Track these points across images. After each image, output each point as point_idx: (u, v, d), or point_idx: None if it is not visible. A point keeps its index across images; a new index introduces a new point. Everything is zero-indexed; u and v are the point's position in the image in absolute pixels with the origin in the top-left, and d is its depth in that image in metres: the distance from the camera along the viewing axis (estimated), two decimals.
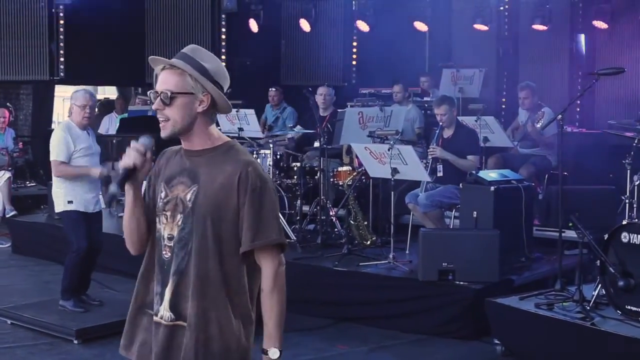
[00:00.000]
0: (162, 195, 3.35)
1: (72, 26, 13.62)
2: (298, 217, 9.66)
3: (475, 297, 7.37)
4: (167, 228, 3.32)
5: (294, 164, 10.13)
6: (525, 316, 6.77)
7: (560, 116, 7.39)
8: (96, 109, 7.75)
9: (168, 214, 3.32)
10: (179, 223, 3.29)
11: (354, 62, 15.07)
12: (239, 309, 3.29)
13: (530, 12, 12.83)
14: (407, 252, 8.89)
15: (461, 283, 7.52)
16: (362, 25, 14.25)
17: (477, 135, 9.37)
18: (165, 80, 3.27)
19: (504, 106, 13.54)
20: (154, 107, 3.28)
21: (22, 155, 14.14)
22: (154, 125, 3.32)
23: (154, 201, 3.41)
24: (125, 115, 13.70)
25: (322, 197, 9.37)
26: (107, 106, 15.61)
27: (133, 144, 3.29)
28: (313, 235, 9.49)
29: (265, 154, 9.90)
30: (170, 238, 3.31)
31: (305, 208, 9.93)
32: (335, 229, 9.61)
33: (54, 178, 7.91)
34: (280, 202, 9.55)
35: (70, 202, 7.77)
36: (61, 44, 13.70)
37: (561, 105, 8.22)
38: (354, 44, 15.08)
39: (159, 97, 3.26)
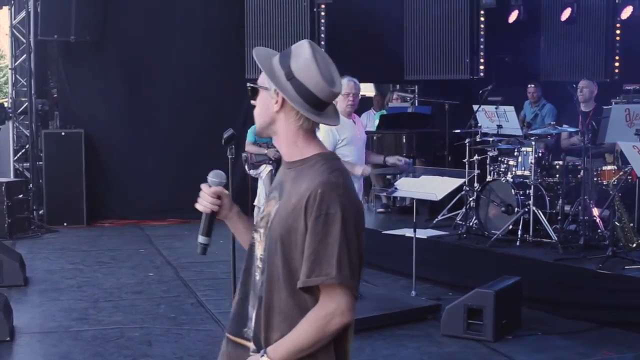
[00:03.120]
0: (262, 209, 3.01)
1: (332, 25, 13.94)
2: (559, 217, 9.44)
3: None
4: (260, 247, 2.93)
5: (555, 162, 9.91)
6: None
7: None
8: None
9: (261, 231, 2.93)
10: (265, 243, 2.90)
11: (616, 57, 14.51)
12: (319, 352, 2.78)
13: None
14: None
15: None
16: (626, 15, 13.59)
17: None
18: None
19: None
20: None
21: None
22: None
23: None
24: (384, 112, 13.90)
25: (584, 197, 9.12)
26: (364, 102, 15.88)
27: (204, 188, 3.04)
28: (575, 236, 9.24)
29: (526, 151, 9.77)
30: (260, 258, 2.91)
31: (567, 208, 9.67)
32: (599, 230, 9.32)
33: None
34: (541, 201, 9.45)
35: None
36: (322, 43, 14.01)
37: None
38: (617, 38, 14.51)
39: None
